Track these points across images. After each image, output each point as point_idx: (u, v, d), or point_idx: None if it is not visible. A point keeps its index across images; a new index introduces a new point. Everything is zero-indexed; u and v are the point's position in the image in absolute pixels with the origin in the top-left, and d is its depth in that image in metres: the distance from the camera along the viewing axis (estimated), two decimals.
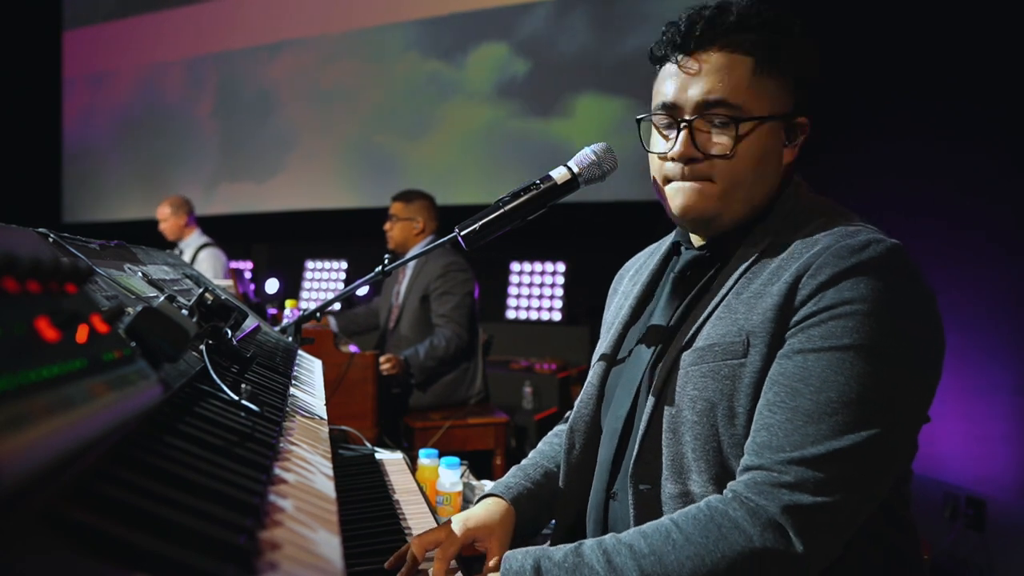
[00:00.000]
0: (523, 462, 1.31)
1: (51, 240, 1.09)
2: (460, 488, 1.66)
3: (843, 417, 0.89)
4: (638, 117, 1.11)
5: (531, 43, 4.99)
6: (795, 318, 0.95)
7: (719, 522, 0.89)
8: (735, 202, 1.05)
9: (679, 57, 1.05)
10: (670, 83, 1.06)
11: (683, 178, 1.05)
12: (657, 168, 1.09)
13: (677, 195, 1.07)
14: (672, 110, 1.06)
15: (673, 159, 1.05)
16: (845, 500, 0.88)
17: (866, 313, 0.91)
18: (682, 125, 1.04)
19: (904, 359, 0.93)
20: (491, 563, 1.09)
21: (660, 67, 1.10)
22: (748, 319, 0.98)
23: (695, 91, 1.03)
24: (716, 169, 1.03)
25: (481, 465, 3.14)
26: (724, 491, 0.94)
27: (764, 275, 1.01)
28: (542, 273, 4.90)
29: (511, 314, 4.92)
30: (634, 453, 1.04)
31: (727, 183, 1.04)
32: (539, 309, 4.87)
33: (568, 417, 1.38)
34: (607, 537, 0.95)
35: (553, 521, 1.26)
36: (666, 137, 1.07)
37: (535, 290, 4.91)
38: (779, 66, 1.03)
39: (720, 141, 1.03)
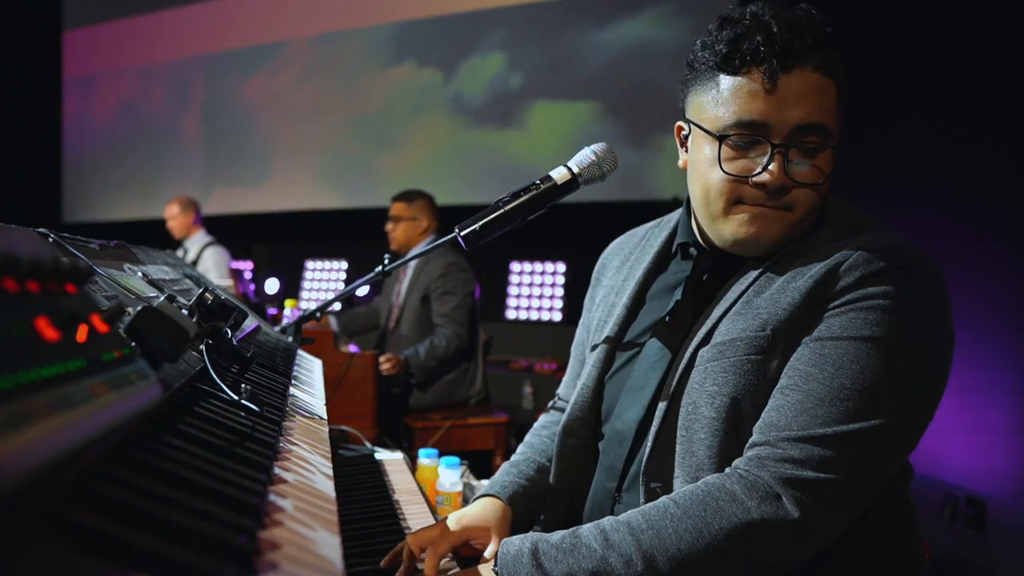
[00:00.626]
0: (514, 458, 1.31)
1: (51, 240, 1.09)
2: (460, 488, 1.66)
3: (853, 404, 0.90)
4: (719, 135, 0.99)
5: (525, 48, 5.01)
6: (820, 312, 0.96)
7: (716, 495, 0.90)
8: (801, 230, 1.02)
9: (775, 73, 0.94)
10: (755, 99, 0.95)
11: (763, 204, 0.99)
12: (724, 188, 1.00)
13: (751, 223, 1.00)
14: (760, 130, 0.96)
15: (759, 184, 0.97)
16: (848, 479, 0.89)
17: (887, 309, 0.93)
18: (777, 150, 0.95)
19: (919, 357, 0.94)
20: (487, 555, 1.09)
21: (722, 74, 0.98)
22: (772, 314, 0.98)
23: (795, 113, 0.95)
24: (798, 198, 0.98)
25: (481, 465, 3.14)
26: (731, 467, 0.94)
27: (787, 274, 1.01)
28: (542, 273, 4.90)
29: (511, 314, 4.92)
30: (647, 452, 1.04)
31: (804, 212, 0.99)
32: (539, 309, 4.87)
33: (555, 406, 1.37)
34: (605, 519, 0.95)
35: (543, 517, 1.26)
36: (744, 157, 0.98)
37: (535, 290, 4.91)
38: (845, 89, 1.00)
39: (811, 170, 0.98)
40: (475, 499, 1.22)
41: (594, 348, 1.22)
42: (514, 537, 0.98)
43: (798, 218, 1.00)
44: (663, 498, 0.94)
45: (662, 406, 1.04)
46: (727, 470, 0.94)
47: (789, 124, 0.95)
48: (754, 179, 0.97)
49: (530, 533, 0.98)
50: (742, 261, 1.07)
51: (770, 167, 0.96)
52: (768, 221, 0.99)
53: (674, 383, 1.04)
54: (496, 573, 0.96)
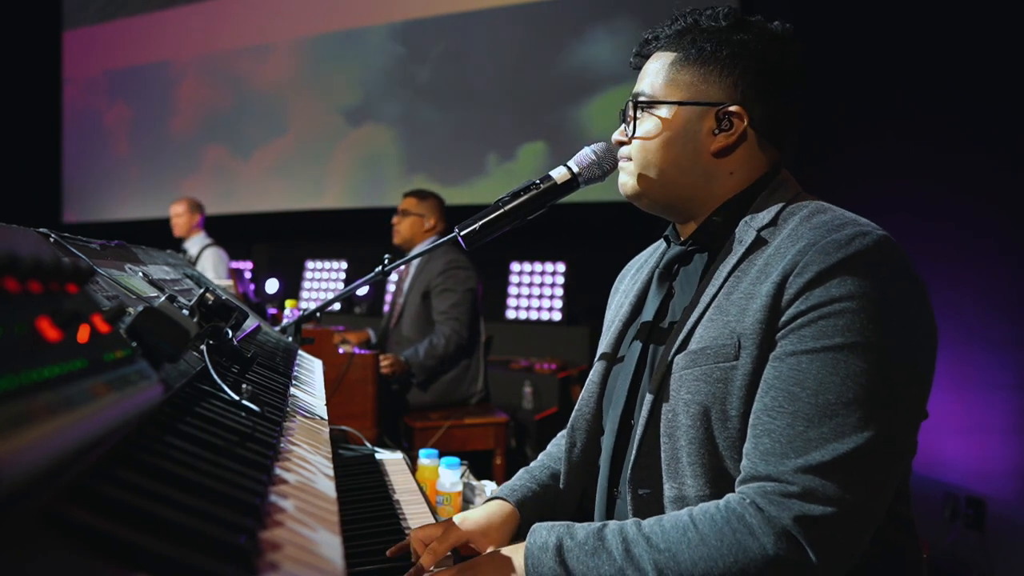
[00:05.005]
0: (531, 464, 1.32)
1: (52, 240, 1.09)
2: (460, 488, 1.67)
3: (843, 418, 0.89)
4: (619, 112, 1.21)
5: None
6: (784, 318, 0.95)
7: (735, 526, 0.89)
8: (652, 182, 1.11)
9: (639, 65, 1.17)
10: None
11: (619, 160, 1.17)
12: None
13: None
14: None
15: (615, 144, 1.18)
16: (855, 507, 0.88)
17: (855, 310, 0.91)
18: (620, 114, 1.17)
19: (898, 353, 0.92)
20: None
21: None
22: (740, 321, 0.97)
23: (633, 90, 1.15)
24: (633, 149, 1.12)
25: (481, 465, 3.14)
26: (741, 493, 0.93)
27: (753, 273, 1.00)
28: (542, 273, 4.90)
29: (511, 314, 4.92)
30: (632, 457, 1.04)
31: (639, 163, 1.12)
32: (539, 309, 4.87)
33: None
34: (629, 523, 0.96)
35: None
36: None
37: (535, 290, 4.91)
38: (703, 58, 1.07)
39: (642, 127, 1.12)
40: (486, 500, 1.23)
41: (602, 353, 1.23)
42: (543, 525, 1.00)
43: (636, 168, 1.12)
44: (684, 514, 0.94)
45: (644, 411, 1.04)
46: (743, 497, 0.92)
47: (630, 97, 1.15)
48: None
49: (558, 524, 0.99)
50: (705, 247, 1.10)
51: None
52: (621, 173, 1.16)
53: (654, 388, 1.04)
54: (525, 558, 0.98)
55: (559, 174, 1.20)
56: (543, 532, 0.98)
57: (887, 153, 3.13)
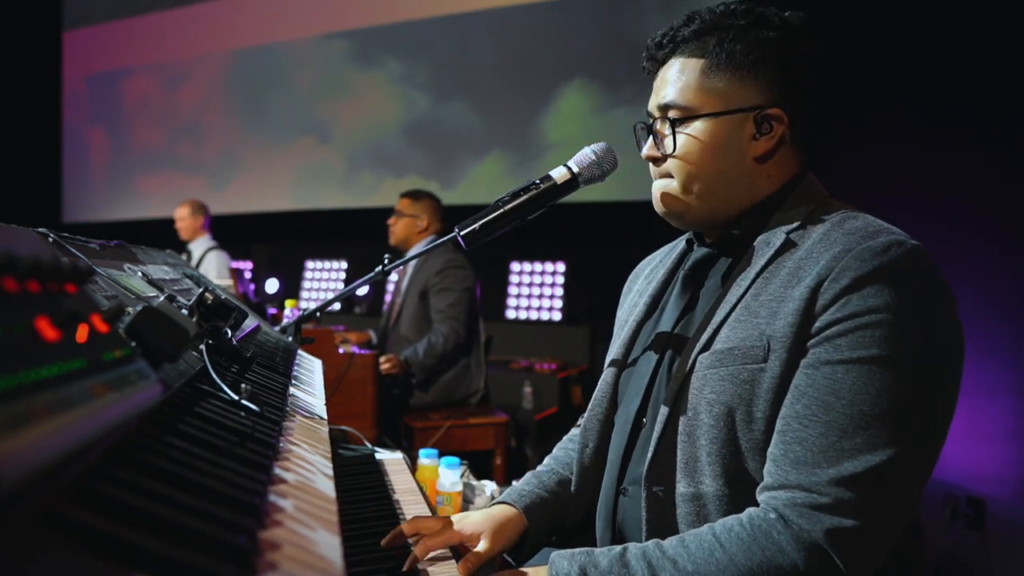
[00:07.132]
0: (539, 468, 1.31)
1: (51, 240, 1.09)
2: (460, 488, 1.67)
3: (877, 430, 0.89)
4: (634, 124, 1.16)
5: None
6: (818, 324, 0.94)
7: (763, 544, 0.89)
8: (698, 196, 1.09)
9: (655, 69, 1.13)
10: (651, 94, 1.13)
11: (654, 177, 1.13)
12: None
13: (654, 193, 1.14)
14: (648, 118, 1.14)
15: (645, 160, 1.14)
16: (883, 519, 0.88)
17: (892, 322, 0.90)
18: (641, 127, 1.15)
19: (932, 367, 0.92)
20: (470, 559, 1.08)
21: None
22: (770, 324, 0.97)
23: (655, 99, 1.11)
24: (673, 167, 1.09)
25: (481, 465, 3.14)
26: (765, 506, 0.92)
27: (782, 275, 0.99)
28: (542, 273, 4.90)
29: (511, 314, 4.92)
30: (648, 456, 1.03)
31: (683, 179, 1.09)
32: (539, 309, 4.86)
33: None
34: (650, 545, 0.95)
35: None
36: (645, 141, 1.15)
37: (535, 290, 4.90)
38: (734, 62, 1.05)
39: (670, 141, 1.09)
40: (492, 503, 1.22)
41: (616, 354, 1.22)
42: (563, 552, 0.98)
43: (680, 185, 1.09)
44: (707, 533, 0.93)
45: (664, 410, 1.03)
46: (768, 511, 0.91)
47: (654, 107, 1.11)
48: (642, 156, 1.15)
49: (577, 552, 0.97)
50: (733, 251, 1.09)
51: (641, 144, 1.13)
52: (658, 190, 1.12)
53: (675, 387, 1.03)
54: None
55: (559, 174, 1.20)
56: (564, 562, 0.96)
57: (887, 153, 3.13)
